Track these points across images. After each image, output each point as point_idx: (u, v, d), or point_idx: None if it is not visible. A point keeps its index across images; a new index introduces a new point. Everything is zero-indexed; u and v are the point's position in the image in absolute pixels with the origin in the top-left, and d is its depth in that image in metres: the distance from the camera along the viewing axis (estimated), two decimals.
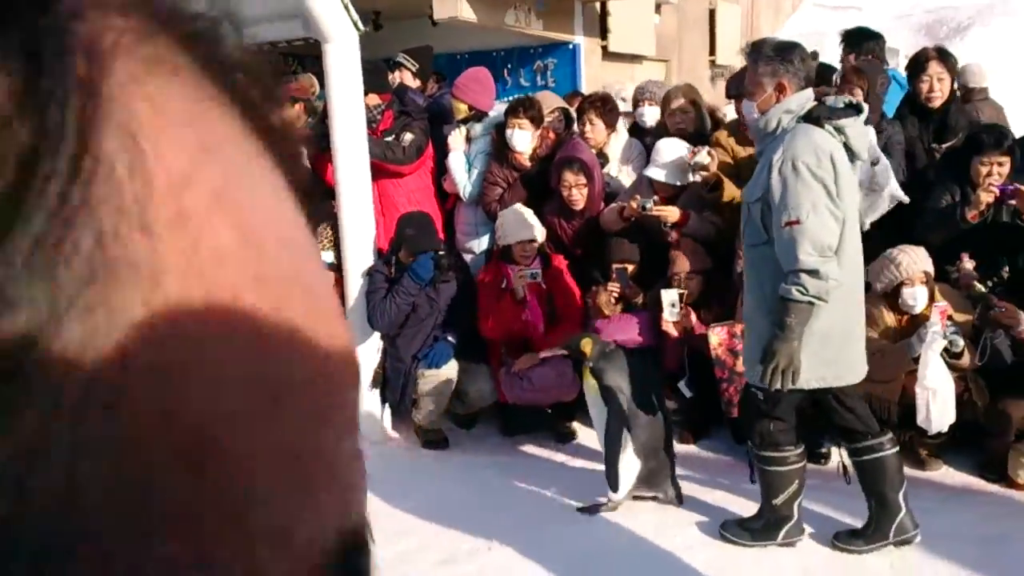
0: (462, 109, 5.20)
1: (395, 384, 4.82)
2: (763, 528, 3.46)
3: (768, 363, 3.10)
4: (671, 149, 4.49)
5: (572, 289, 4.64)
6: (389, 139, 5.02)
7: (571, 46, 11.63)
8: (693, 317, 4.19)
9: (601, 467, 3.79)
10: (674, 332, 4.23)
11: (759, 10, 15.28)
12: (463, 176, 5.17)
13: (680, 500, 3.82)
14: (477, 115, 5.23)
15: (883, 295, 3.99)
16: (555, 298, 4.61)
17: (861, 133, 3.20)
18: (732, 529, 3.54)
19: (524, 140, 4.95)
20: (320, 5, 4.37)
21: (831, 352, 3.16)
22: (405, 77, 5.76)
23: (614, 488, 3.72)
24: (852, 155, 3.16)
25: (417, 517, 3.92)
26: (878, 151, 4.05)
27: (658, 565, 3.44)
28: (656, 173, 4.52)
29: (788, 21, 15.70)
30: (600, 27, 11.95)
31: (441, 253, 4.65)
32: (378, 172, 4.90)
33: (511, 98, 5.90)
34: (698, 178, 4.40)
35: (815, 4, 15.44)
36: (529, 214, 4.68)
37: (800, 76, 3.15)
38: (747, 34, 15.03)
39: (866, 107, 3.33)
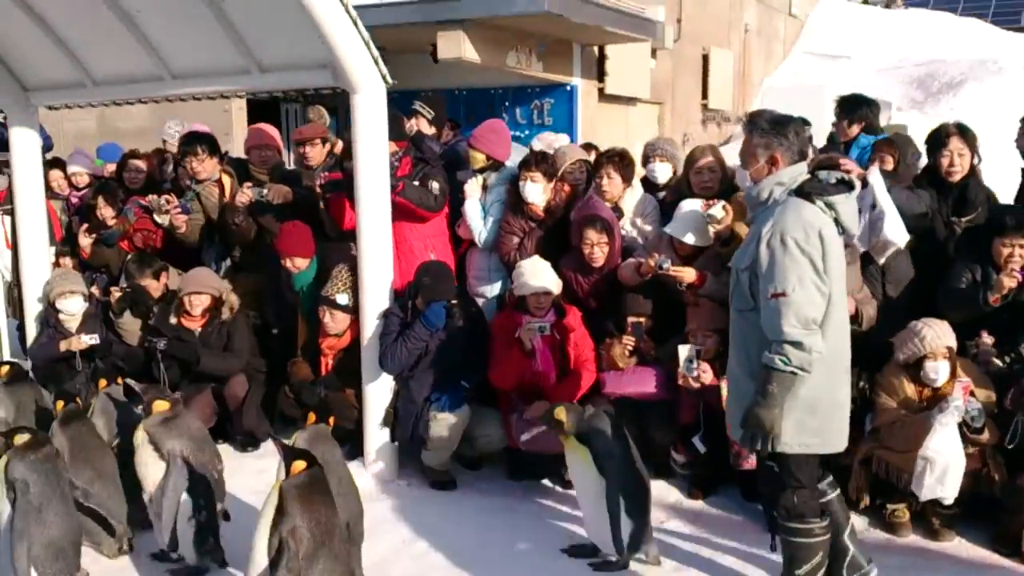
0: (479, 159, 5.31)
1: (406, 424, 4.88)
2: None
3: (748, 428, 3.18)
4: (693, 209, 4.60)
5: (586, 341, 4.71)
6: (415, 183, 5.11)
7: (568, 87, 11.85)
8: (709, 374, 4.26)
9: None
10: (692, 386, 4.30)
11: (751, 56, 15.60)
12: (479, 223, 5.27)
13: (659, 561, 3.86)
14: (494, 164, 5.34)
15: (905, 366, 4.09)
16: (568, 349, 4.68)
17: (852, 210, 3.27)
18: None
19: (536, 193, 5.07)
20: (350, 57, 4.44)
21: (818, 421, 3.23)
22: (421, 124, 5.88)
23: (620, 551, 3.77)
24: (842, 230, 3.23)
25: (432, 562, 3.97)
26: (879, 197, 4.18)
27: None
28: (677, 231, 4.62)
29: (779, 68, 16.01)
30: (597, 70, 12.20)
31: (454, 303, 4.74)
32: (397, 215, 4.98)
33: (527, 146, 6.04)
34: (711, 230, 4.50)
35: (806, 52, 15.77)
36: (546, 267, 4.77)
37: (794, 150, 3.23)
38: (739, 79, 15.35)
39: (858, 184, 3.41)
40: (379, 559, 3.99)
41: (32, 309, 6.02)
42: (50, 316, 5.79)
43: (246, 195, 5.60)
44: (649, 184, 5.51)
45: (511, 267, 5.07)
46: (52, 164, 7.11)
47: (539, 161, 5.11)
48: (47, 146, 8.16)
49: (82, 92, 5.70)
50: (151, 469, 3.90)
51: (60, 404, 4.32)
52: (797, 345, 3.05)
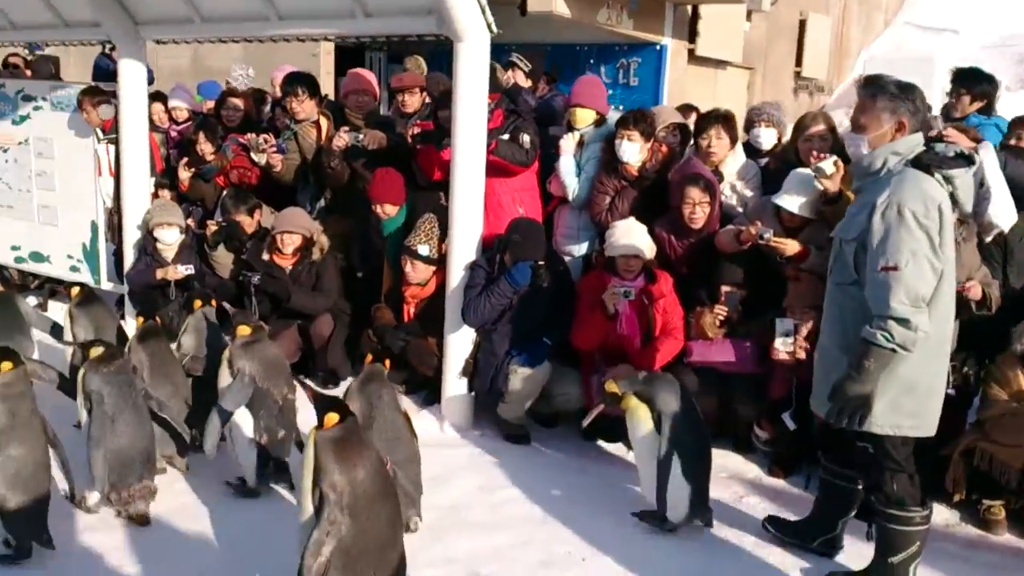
0: (584, 116, 5.24)
1: (485, 375, 4.93)
2: None
3: (837, 402, 3.10)
4: (804, 180, 4.42)
5: (675, 308, 4.65)
6: (505, 137, 5.09)
7: (658, 47, 11.58)
8: (805, 349, 4.13)
9: None
10: (786, 361, 4.21)
11: (850, 24, 15.04)
12: (572, 180, 5.24)
13: (711, 523, 3.84)
14: (596, 121, 5.28)
15: (1020, 357, 3.96)
16: (655, 315, 4.64)
17: (969, 185, 3.14)
18: None
19: (633, 152, 5.00)
20: (458, 4, 4.42)
21: (913, 404, 3.14)
22: (518, 77, 5.83)
23: (662, 511, 3.79)
24: (956, 206, 3.11)
25: (509, 512, 4.03)
26: (988, 175, 3.98)
27: None
28: (785, 201, 4.44)
29: (879, 38, 15.42)
30: (689, 30, 11.88)
31: (541, 264, 4.73)
32: (488, 170, 4.96)
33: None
34: (818, 186, 4.30)
35: (908, 23, 15.14)
36: (640, 230, 4.73)
37: (918, 118, 3.13)
38: (836, 48, 14.84)
39: (978, 159, 3.27)
40: (453, 503, 4.07)
41: (131, 236, 6.22)
42: (148, 244, 5.99)
43: (342, 139, 5.66)
44: (751, 150, 5.38)
45: (602, 227, 5.04)
46: (154, 98, 7.28)
47: (638, 120, 5.03)
48: (149, 80, 8.36)
49: (190, 28, 5.80)
50: (223, 386, 4.09)
51: (140, 320, 4.55)
52: (903, 322, 2.96)
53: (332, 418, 3.06)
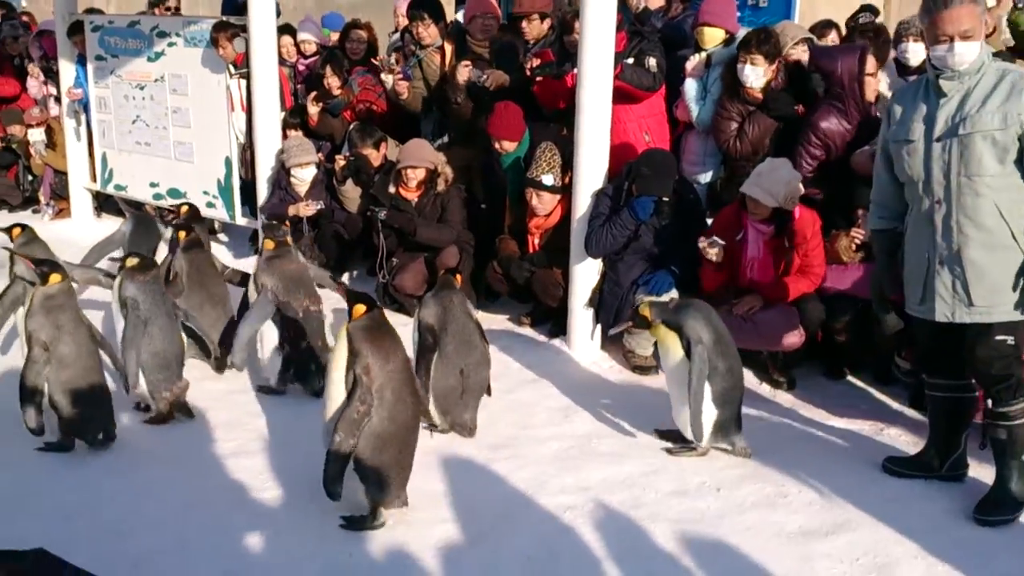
0: (715, 36, 5.02)
1: (610, 306, 4.88)
2: (1013, 495, 3.35)
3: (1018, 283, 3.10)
4: None
5: (817, 250, 4.40)
6: (629, 62, 4.93)
7: None
8: None
9: None
10: None
11: None
12: (696, 105, 5.05)
13: (749, 453, 3.80)
14: (725, 40, 5.05)
15: None
16: (794, 255, 4.41)
17: None
18: (986, 509, 3.38)
19: (757, 76, 4.78)
20: None
21: None
22: None
23: (698, 438, 3.77)
24: None
25: (639, 442, 4.01)
26: None
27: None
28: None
29: None
30: None
31: (665, 200, 4.61)
32: (612, 96, 4.83)
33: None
34: None
35: None
36: (780, 175, 4.31)
37: None
38: None
39: None
40: (583, 433, 4.08)
41: (264, 171, 6.37)
42: (282, 179, 6.15)
43: (463, 73, 5.60)
44: (900, 67, 5.05)
45: (729, 154, 4.86)
46: (282, 31, 7.36)
47: (761, 41, 4.78)
48: (275, 13, 8.47)
49: None
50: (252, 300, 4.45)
51: (182, 234, 4.82)
52: None
53: (359, 309, 3.28)
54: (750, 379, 4.68)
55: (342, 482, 3.18)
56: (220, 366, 4.66)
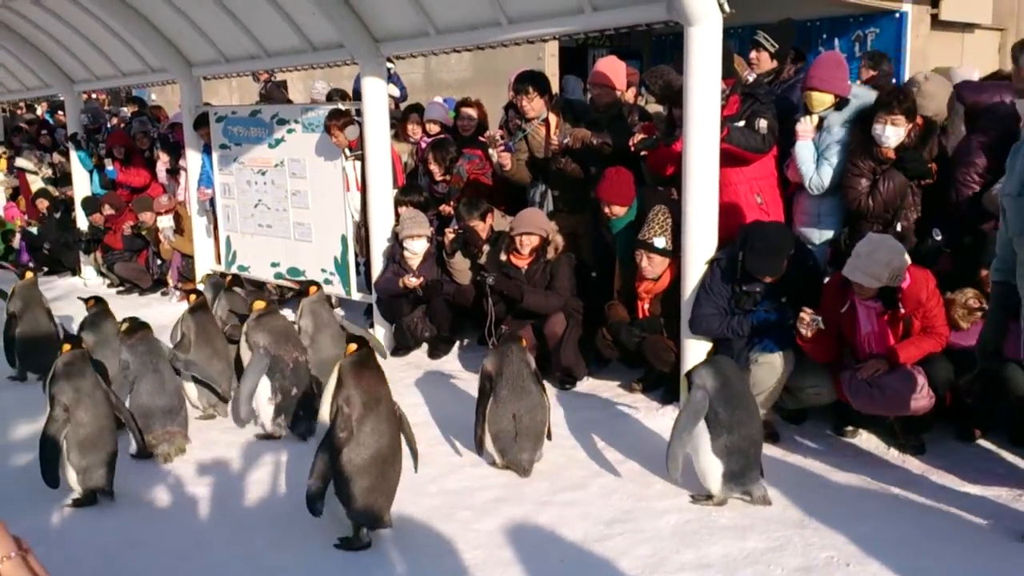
0: (824, 100, 4.93)
1: None
2: None
3: None
4: None
5: (937, 310, 4.20)
6: (740, 124, 4.89)
7: (897, 14, 10.80)
8: None
9: None
10: None
11: None
12: (810, 167, 4.95)
13: (768, 501, 3.86)
14: (836, 104, 4.94)
15: None
16: (913, 319, 4.22)
17: None
18: None
19: (897, 136, 4.69)
20: None
21: None
22: (762, 58, 5.55)
23: (673, 472, 3.88)
24: None
25: (762, 515, 3.83)
26: None
27: None
28: None
29: None
30: None
31: (769, 280, 4.53)
32: (722, 158, 4.77)
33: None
34: None
35: None
36: (884, 253, 4.14)
37: None
38: None
39: None
40: (703, 508, 3.92)
41: (378, 247, 6.58)
42: (396, 252, 6.33)
43: (553, 140, 5.75)
44: None
45: (860, 212, 4.71)
46: (410, 111, 7.64)
47: (901, 100, 4.68)
48: (403, 96, 8.85)
49: (426, 40, 6.03)
50: (244, 357, 4.96)
51: (193, 297, 5.48)
52: None
53: (351, 347, 3.72)
54: (877, 445, 4.51)
55: (323, 500, 3.55)
56: (213, 411, 5.31)
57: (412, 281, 6.15)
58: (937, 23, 11.08)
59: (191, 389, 5.22)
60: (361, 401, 3.54)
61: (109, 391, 4.35)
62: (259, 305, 5.08)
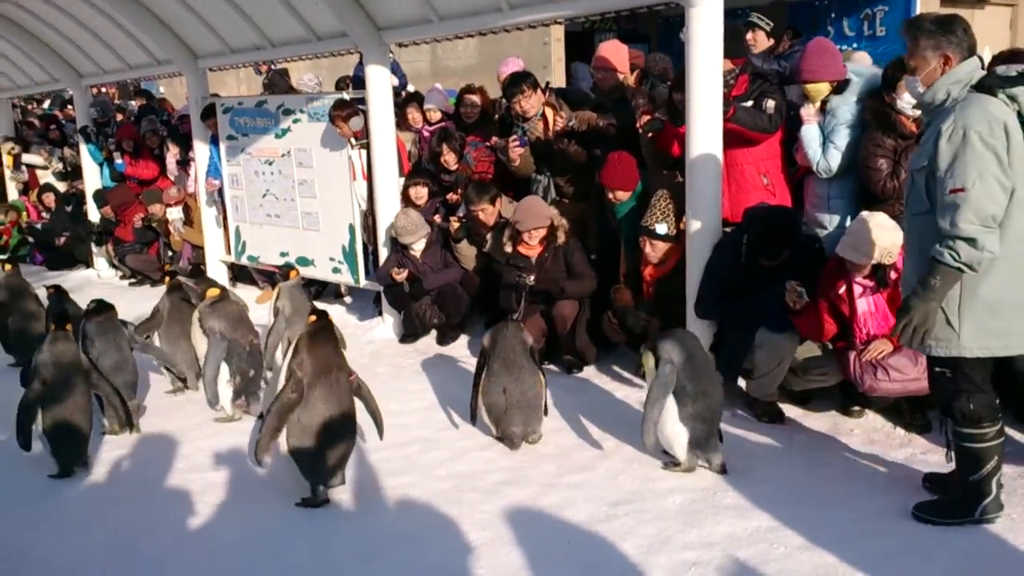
0: (821, 90, 4.89)
1: (730, 351, 4.75)
2: (959, 505, 3.46)
3: (901, 318, 3.25)
4: None
5: None
6: (748, 104, 4.88)
7: None
8: None
9: None
10: None
11: None
12: (816, 150, 4.90)
13: (725, 471, 4.03)
14: (836, 87, 4.90)
15: None
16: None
17: None
18: (926, 508, 3.54)
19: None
20: None
21: (1000, 322, 3.21)
22: (759, 37, 5.55)
23: (647, 444, 4.06)
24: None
25: (765, 494, 3.85)
26: None
27: None
28: None
29: None
30: None
31: (772, 264, 4.53)
32: (729, 139, 4.78)
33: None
34: None
35: None
36: (875, 232, 4.15)
37: (963, 47, 3.22)
38: None
39: None
40: (707, 486, 3.97)
41: (384, 235, 6.60)
42: (398, 245, 6.36)
43: (559, 122, 5.71)
44: None
45: (884, 194, 4.66)
46: (410, 99, 7.65)
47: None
48: (403, 84, 8.85)
49: (428, 28, 6.04)
50: (198, 342, 5.21)
51: (167, 280, 5.86)
52: (971, 242, 3.07)
53: (311, 319, 4.03)
54: (883, 424, 4.51)
55: (270, 453, 3.83)
56: (174, 389, 5.71)
57: (402, 274, 6.23)
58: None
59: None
60: (313, 367, 3.81)
61: (93, 369, 4.70)
62: (212, 293, 5.23)
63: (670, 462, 4.15)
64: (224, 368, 5.03)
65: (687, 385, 4.00)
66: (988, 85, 3.14)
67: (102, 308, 5.27)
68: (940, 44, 3.23)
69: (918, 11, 10.69)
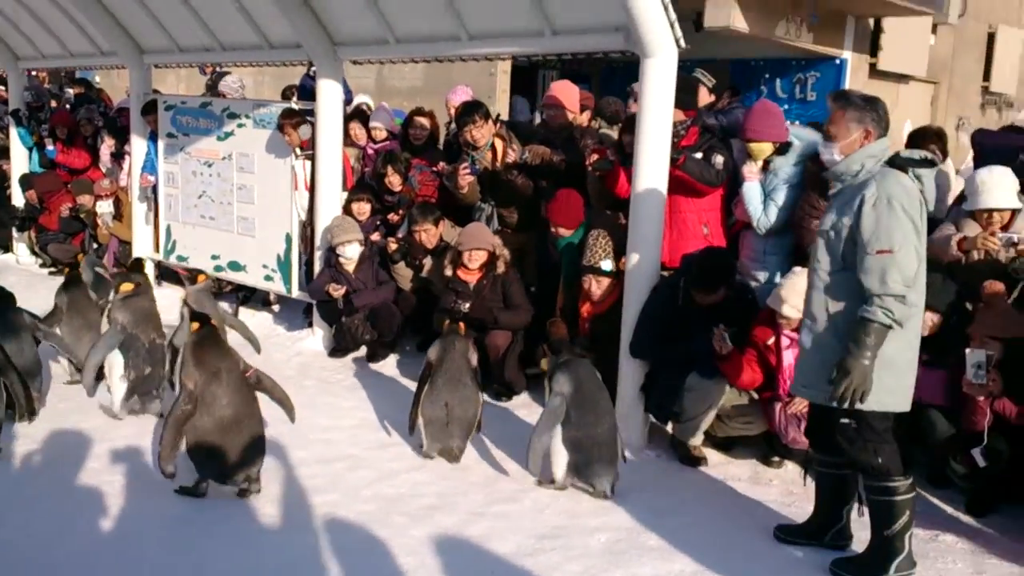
0: (764, 149, 5.08)
1: (660, 394, 4.86)
2: (874, 561, 3.55)
3: (841, 381, 3.33)
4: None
5: None
6: (698, 156, 5.03)
7: (838, 61, 11.16)
8: (998, 383, 3.90)
9: None
10: (977, 395, 3.96)
11: None
12: (758, 207, 5.06)
13: (611, 494, 4.26)
14: (778, 148, 5.10)
15: None
16: None
17: (932, 184, 3.50)
18: (842, 564, 3.64)
19: None
20: (647, 20, 4.41)
21: (894, 379, 3.40)
22: (701, 93, 5.75)
23: (533, 472, 4.33)
24: (924, 203, 3.42)
25: (686, 538, 3.92)
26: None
27: None
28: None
29: None
30: (871, 43, 11.40)
31: (707, 303, 4.68)
32: (675, 186, 4.93)
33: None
34: None
35: None
36: (801, 290, 4.17)
37: (883, 125, 3.47)
38: None
39: (940, 161, 3.58)
40: (630, 526, 4.02)
41: (320, 242, 6.57)
42: (331, 258, 6.32)
43: (511, 155, 5.80)
44: None
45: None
46: (353, 116, 7.61)
47: None
48: (347, 99, 8.79)
49: (385, 48, 6.06)
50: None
51: (67, 270, 5.93)
52: (900, 299, 3.26)
53: (194, 326, 4.10)
54: (800, 476, 4.63)
55: (173, 462, 3.92)
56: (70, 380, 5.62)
57: (339, 291, 6.21)
58: (875, 72, 11.51)
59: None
60: (201, 375, 3.92)
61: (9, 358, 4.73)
62: (126, 287, 5.21)
63: (547, 479, 4.35)
64: (120, 362, 4.97)
65: (572, 413, 4.24)
66: (900, 164, 3.41)
67: (3, 295, 5.24)
68: (864, 119, 3.46)
69: (848, 82, 11.20)
